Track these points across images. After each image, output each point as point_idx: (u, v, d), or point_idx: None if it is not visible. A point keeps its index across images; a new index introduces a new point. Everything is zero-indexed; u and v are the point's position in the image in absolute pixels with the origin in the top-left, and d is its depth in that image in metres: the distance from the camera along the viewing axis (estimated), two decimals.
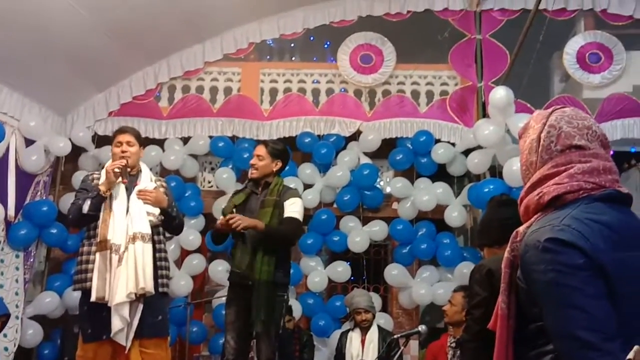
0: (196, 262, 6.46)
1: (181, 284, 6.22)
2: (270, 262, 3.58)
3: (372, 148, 6.61)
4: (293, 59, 8.21)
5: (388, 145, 6.60)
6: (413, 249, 6.36)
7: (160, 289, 3.54)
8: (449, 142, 6.53)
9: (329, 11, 6.85)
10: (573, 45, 6.58)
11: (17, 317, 5.66)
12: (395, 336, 4.14)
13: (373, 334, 5.01)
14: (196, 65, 6.90)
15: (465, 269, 5.86)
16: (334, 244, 6.47)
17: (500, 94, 5.75)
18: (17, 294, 5.82)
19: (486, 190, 5.75)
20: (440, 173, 6.60)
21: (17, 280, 5.86)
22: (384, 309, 6.63)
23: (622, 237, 1.37)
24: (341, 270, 6.46)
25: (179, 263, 6.45)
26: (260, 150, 3.82)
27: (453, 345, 4.33)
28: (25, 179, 6.09)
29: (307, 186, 6.51)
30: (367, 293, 5.48)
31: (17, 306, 5.74)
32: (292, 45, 8.16)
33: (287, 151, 3.96)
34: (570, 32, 6.90)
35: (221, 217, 3.70)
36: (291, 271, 3.86)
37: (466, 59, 6.65)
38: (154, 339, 3.51)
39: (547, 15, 6.27)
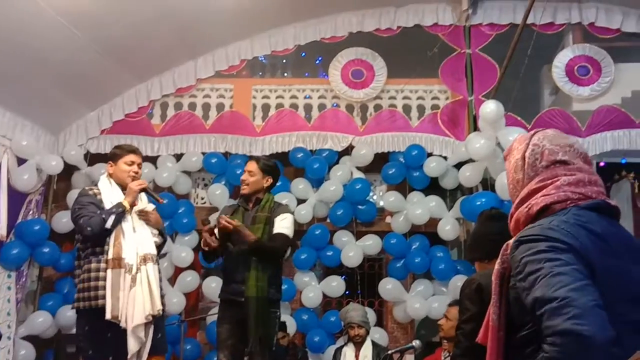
0: (190, 279, 6.43)
1: (174, 301, 6.17)
2: (263, 278, 3.56)
3: (365, 162, 6.63)
4: (285, 74, 8.26)
5: (380, 160, 6.63)
6: (407, 263, 6.35)
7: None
8: (440, 155, 6.55)
9: (320, 27, 6.91)
10: (562, 59, 6.65)
11: (9, 338, 5.62)
12: (389, 352, 4.12)
13: (367, 349, 4.98)
14: (188, 82, 6.93)
15: (459, 282, 5.83)
16: (328, 259, 6.46)
17: (490, 108, 5.81)
18: (9, 314, 5.78)
19: (478, 203, 5.77)
20: (432, 186, 6.62)
21: (9, 300, 5.82)
22: (379, 323, 6.62)
23: (609, 245, 1.39)
24: (335, 285, 6.46)
25: (172, 280, 6.42)
26: (252, 166, 3.81)
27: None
28: (17, 198, 6.06)
29: (300, 201, 6.51)
30: (362, 307, 5.45)
31: (9, 326, 5.70)
32: (284, 61, 8.22)
33: (278, 168, 3.97)
34: (559, 45, 6.98)
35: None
36: (283, 287, 3.85)
37: (456, 73, 6.72)
38: (154, 357, 3.49)
39: (535, 29, 6.32)
